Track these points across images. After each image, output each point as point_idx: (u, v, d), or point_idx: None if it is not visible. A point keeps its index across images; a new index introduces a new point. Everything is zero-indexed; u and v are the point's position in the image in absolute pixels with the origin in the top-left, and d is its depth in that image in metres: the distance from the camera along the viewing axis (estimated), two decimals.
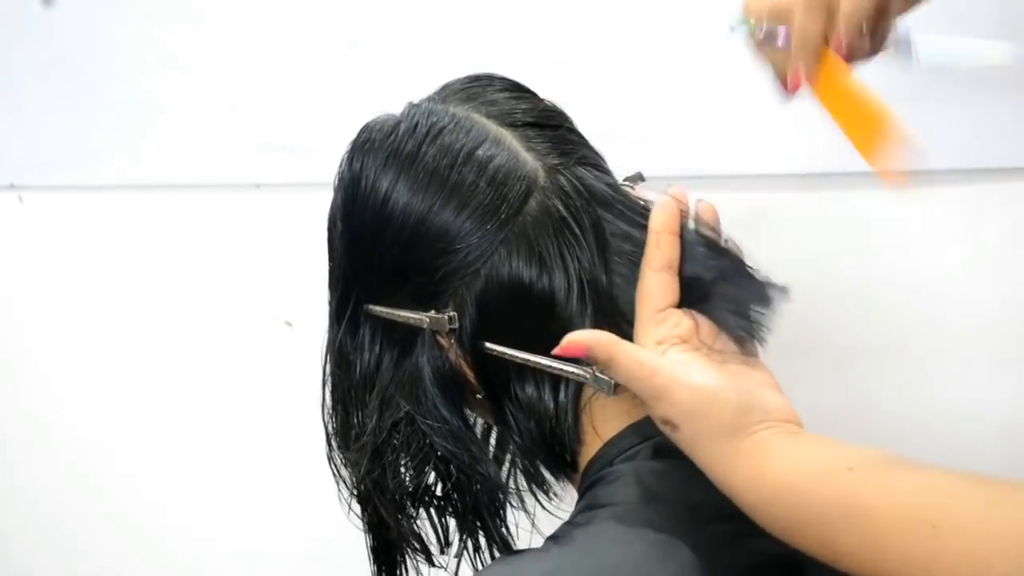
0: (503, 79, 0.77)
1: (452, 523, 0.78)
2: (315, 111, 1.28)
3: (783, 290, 0.68)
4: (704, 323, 0.67)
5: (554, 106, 0.77)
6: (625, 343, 0.64)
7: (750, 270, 0.69)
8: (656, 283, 0.67)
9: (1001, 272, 1.09)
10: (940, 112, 1.06)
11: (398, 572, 0.81)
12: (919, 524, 0.53)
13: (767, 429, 0.61)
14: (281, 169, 1.31)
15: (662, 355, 0.64)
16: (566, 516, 0.73)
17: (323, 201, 1.34)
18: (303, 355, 1.37)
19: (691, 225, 0.69)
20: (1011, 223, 1.08)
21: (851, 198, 1.11)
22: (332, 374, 0.79)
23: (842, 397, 1.13)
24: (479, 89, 0.75)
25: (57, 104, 1.39)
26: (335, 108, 1.27)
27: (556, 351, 0.65)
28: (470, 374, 0.73)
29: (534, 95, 0.77)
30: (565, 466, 0.74)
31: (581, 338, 0.65)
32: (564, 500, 0.76)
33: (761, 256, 1.06)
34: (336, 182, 0.77)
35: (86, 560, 1.59)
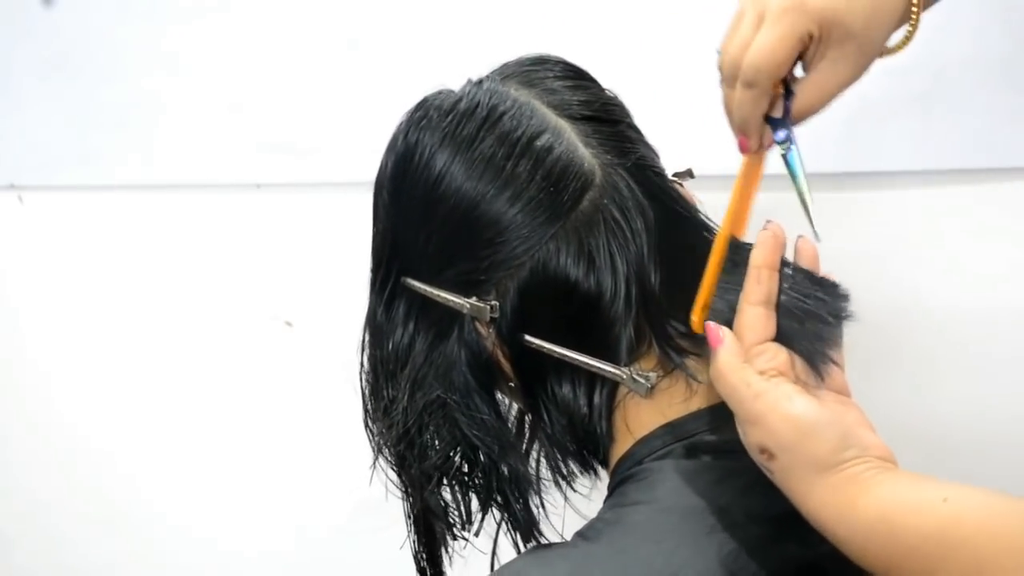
0: (564, 64, 0.75)
1: (475, 501, 0.78)
2: (316, 111, 1.28)
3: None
4: (798, 358, 0.65)
5: (615, 98, 0.76)
6: (737, 359, 0.63)
7: (835, 302, 0.68)
8: (754, 317, 0.65)
9: (1001, 272, 1.09)
10: (940, 112, 1.06)
11: (438, 536, 0.80)
12: (1021, 552, 0.53)
13: (861, 464, 0.60)
14: (281, 169, 1.31)
15: (766, 381, 0.63)
16: (597, 497, 0.73)
17: (323, 201, 1.35)
18: (303, 355, 1.38)
19: (789, 262, 0.68)
20: (1011, 223, 1.08)
21: (851, 199, 1.11)
22: (368, 343, 0.79)
23: None
24: (540, 74, 0.74)
25: (57, 104, 1.39)
26: (336, 108, 1.27)
27: (699, 325, 0.65)
28: (506, 364, 0.72)
29: (595, 84, 0.76)
30: (594, 461, 0.73)
31: (721, 332, 0.64)
32: (595, 490, 0.76)
33: None
34: (387, 151, 0.75)
35: (86, 561, 1.59)
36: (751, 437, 0.62)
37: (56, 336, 1.52)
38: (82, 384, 1.52)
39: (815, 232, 0.68)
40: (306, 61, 1.27)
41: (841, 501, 0.59)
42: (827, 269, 1.13)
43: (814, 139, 1.10)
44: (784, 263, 0.67)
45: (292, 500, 1.44)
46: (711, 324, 0.65)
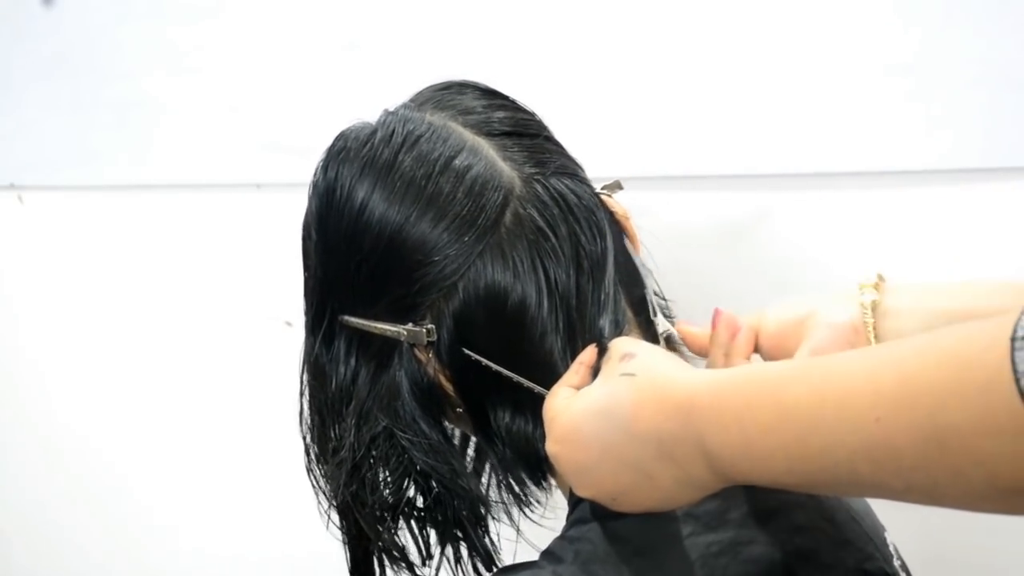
0: (477, 86, 0.76)
1: (433, 535, 0.78)
2: (316, 112, 1.28)
3: None
4: None
5: (532, 114, 0.76)
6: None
7: None
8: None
9: (1001, 272, 1.09)
10: (940, 112, 1.06)
11: None
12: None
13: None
14: (282, 169, 1.31)
15: None
16: (550, 525, 0.72)
17: None
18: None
19: None
20: (1011, 223, 1.08)
21: (851, 198, 1.11)
22: (309, 385, 0.79)
23: None
24: (454, 96, 0.75)
25: (57, 104, 1.39)
26: (336, 109, 1.26)
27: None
28: (449, 387, 0.72)
29: (512, 102, 0.76)
30: (544, 476, 0.73)
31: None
32: (547, 510, 0.76)
33: (761, 256, 1.06)
34: (311, 190, 0.76)
35: (86, 561, 1.59)
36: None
37: (56, 336, 1.52)
38: (82, 384, 1.52)
39: None
40: (306, 61, 1.27)
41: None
42: (827, 270, 1.14)
43: (814, 139, 1.10)
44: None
45: (292, 500, 1.44)
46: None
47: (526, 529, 0.76)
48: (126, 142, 1.38)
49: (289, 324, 1.38)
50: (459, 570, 0.77)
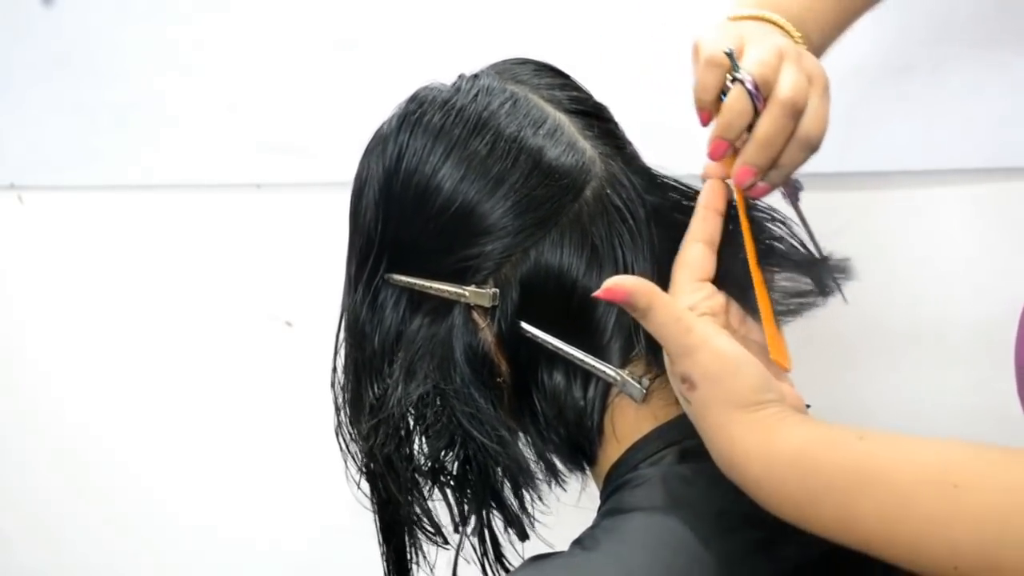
0: (553, 67, 0.76)
1: (464, 504, 0.76)
2: (315, 111, 1.28)
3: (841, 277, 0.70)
4: (735, 307, 0.68)
5: (600, 102, 0.76)
6: (665, 296, 0.63)
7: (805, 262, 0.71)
8: (696, 253, 0.67)
9: (1000, 272, 1.09)
10: (940, 112, 1.06)
11: (407, 552, 0.79)
12: (940, 484, 0.53)
13: (778, 407, 0.61)
14: (281, 169, 1.31)
15: (698, 316, 0.64)
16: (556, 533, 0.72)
17: (323, 201, 1.35)
18: (303, 355, 1.37)
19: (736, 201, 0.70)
20: (1011, 223, 1.08)
21: (850, 199, 1.11)
22: (345, 343, 0.77)
23: (839, 396, 1.13)
24: (532, 72, 0.74)
25: (57, 104, 1.39)
26: (335, 108, 1.27)
27: (597, 294, 0.62)
28: (500, 357, 0.71)
29: (581, 86, 0.76)
30: (583, 460, 0.72)
31: (623, 283, 0.62)
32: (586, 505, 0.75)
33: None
34: (376, 149, 0.74)
35: (87, 560, 1.59)
36: (677, 367, 0.62)
37: (56, 336, 1.52)
38: (83, 384, 1.52)
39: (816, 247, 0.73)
40: (305, 61, 1.27)
41: (759, 438, 0.60)
42: None
43: None
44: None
45: (293, 500, 1.44)
46: (609, 285, 0.62)
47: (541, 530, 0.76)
48: (126, 142, 1.38)
49: (289, 324, 1.38)
50: (487, 561, 0.75)
